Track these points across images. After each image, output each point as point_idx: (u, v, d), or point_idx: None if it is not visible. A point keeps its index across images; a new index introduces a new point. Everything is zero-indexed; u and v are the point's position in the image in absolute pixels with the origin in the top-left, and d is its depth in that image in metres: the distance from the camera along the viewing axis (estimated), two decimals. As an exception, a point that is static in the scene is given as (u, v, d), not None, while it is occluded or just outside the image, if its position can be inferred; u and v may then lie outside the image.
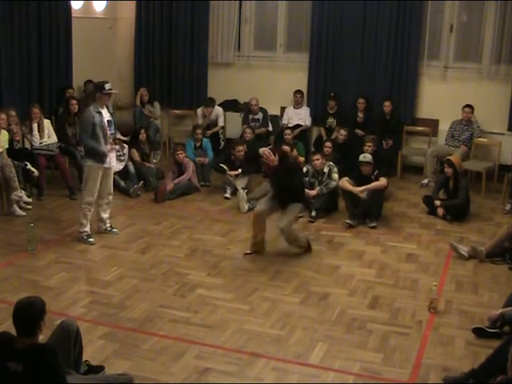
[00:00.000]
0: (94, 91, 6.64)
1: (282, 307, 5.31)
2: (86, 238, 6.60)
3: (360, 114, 9.58)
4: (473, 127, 9.06)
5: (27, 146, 8.20)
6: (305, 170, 7.91)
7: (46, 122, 8.36)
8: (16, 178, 7.35)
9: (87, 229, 6.64)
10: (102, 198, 6.75)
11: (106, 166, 6.56)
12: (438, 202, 7.73)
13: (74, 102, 8.66)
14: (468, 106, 9.03)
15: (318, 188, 7.74)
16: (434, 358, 4.58)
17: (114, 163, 6.78)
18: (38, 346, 3.43)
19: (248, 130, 9.36)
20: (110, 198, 6.87)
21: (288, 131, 9.17)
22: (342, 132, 8.94)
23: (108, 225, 6.91)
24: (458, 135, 9.11)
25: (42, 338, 3.80)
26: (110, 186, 6.80)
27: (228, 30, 10.50)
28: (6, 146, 7.55)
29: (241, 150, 8.50)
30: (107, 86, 6.42)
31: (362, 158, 7.54)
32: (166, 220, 7.47)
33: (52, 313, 4.50)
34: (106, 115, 6.51)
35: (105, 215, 6.88)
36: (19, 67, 8.78)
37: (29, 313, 3.41)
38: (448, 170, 7.68)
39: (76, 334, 3.91)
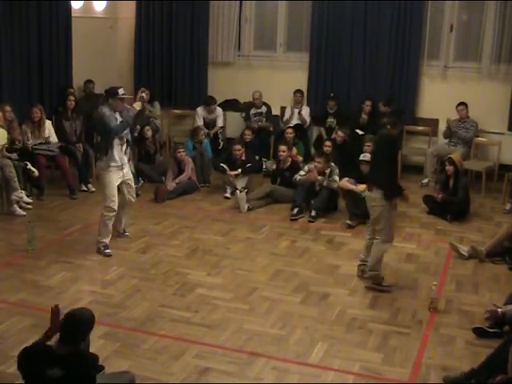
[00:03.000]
0: (107, 97, 6.36)
1: (282, 307, 5.31)
2: (102, 249, 6.35)
3: (364, 116, 9.52)
4: (470, 125, 9.04)
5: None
6: (306, 169, 7.96)
7: (48, 123, 8.36)
8: (16, 178, 7.35)
9: (106, 240, 6.34)
10: (120, 207, 6.52)
11: (117, 164, 6.29)
12: (439, 196, 7.73)
13: (72, 97, 8.66)
14: (461, 103, 9.01)
15: (321, 177, 7.74)
16: (434, 357, 4.58)
17: (127, 169, 6.48)
18: (80, 354, 3.46)
19: (247, 132, 9.34)
20: (126, 208, 6.72)
21: (289, 130, 9.16)
22: (340, 133, 8.89)
23: (123, 227, 6.77)
24: (457, 134, 9.09)
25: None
26: (128, 196, 6.61)
27: (228, 29, 10.49)
28: (3, 143, 7.53)
29: (238, 149, 8.49)
30: (121, 91, 6.22)
31: (362, 157, 7.55)
32: (166, 220, 7.47)
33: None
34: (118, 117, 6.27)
35: (123, 218, 6.73)
36: (19, 67, 8.77)
37: (77, 323, 3.46)
38: (449, 168, 7.69)
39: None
